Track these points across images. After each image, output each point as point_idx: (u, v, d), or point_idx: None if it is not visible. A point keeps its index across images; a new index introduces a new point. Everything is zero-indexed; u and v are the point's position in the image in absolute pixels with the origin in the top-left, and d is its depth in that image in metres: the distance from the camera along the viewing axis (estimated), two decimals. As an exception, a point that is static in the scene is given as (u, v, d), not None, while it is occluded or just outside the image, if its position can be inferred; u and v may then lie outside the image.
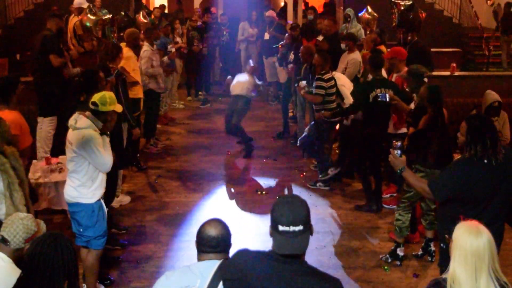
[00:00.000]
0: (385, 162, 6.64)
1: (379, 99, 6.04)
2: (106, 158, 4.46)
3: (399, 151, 3.96)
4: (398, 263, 5.30)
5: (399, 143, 3.99)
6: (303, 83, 7.39)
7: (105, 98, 4.47)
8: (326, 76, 6.88)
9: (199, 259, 2.71)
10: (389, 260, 5.34)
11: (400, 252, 5.34)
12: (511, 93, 8.29)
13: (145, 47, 8.20)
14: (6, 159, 3.85)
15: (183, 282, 2.62)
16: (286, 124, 9.51)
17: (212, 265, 2.62)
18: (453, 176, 3.69)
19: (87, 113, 4.49)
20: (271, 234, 2.39)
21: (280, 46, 9.71)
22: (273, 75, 11.05)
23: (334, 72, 7.28)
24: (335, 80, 7.03)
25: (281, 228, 2.32)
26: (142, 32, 8.59)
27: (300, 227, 2.31)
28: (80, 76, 5.65)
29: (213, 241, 2.66)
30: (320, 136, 7.15)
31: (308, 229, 2.36)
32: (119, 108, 4.65)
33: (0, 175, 3.77)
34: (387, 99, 6.01)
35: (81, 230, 4.53)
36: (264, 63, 11.57)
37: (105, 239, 4.67)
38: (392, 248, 5.41)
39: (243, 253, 2.51)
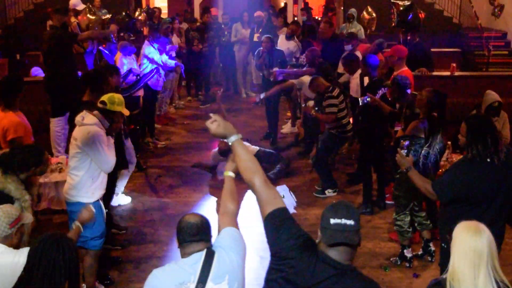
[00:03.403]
0: (385, 162, 6.65)
1: (361, 103, 5.99)
2: (110, 157, 4.48)
3: (406, 151, 3.98)
4: (408, 264, 5.30)
5: (406, 143, 4.00)
6: (311, 102, 7.30)
7: (113, 98, 4.56)
8: (335, 92, 6.75)
9: (182, 254, 2.73)
10: (399, 263, 5.33)
11: (407, 253, 5.34)
12: (511, 93, 8.28)
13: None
14: (30, 196, 3.86)
15: (177, 279, 2.63)
16: (271, 126, 9.26)
17: (198, 258, 2.65)
18: (456, 177, 3.70)
19: (95, 112, 4.53)
20: (321, 235, 2.31)
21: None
22: (258, 78, 11.08)
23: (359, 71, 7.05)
24: (343, 93, 6.99)
25: (332, 221, 2.25)
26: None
27: (352, 222, 2.25)
28: (87, 72, 5.69)
29: (193, 229, 2.70)
30: (330, 149, 7.02)
31: (359, 230, 2.29)
32: (126, 111, 4.68)
33: (16, 205, 3.75)
34: (367, 101, 5.93)
35: None
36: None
37: (103, 240, 4.67)
38: (400, 251, 5.40)
39: (308, 247, 2.35)
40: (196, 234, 2.70)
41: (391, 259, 5.40)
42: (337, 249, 2.28)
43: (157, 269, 2.76)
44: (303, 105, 8.03)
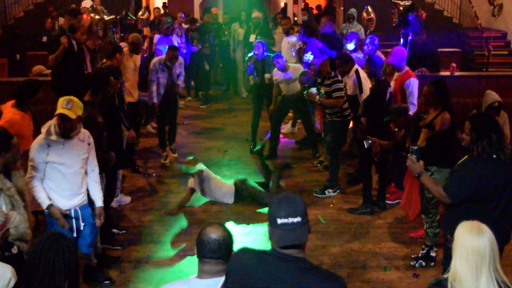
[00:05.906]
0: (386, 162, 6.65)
1: (365, 147, 5.86)
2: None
3: (415, 156, 3.94)
4: (432, 263, 5.24)
5: (416, 148, 3.97)
6: (314, 90, 7.29)
7: (61, 100, 4.27)
8: (339, 76, 6.89)
9: (200, 269, 2.60)
10: (424, 265, 5.25)
11: (433, 253, 5.27)
12: (511, 93, 8.29)
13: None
14: (12, 183, 3.80)
15: None
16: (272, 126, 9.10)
17: (214, 285, 2.52)
18: (466, 177, 3.69)
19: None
20: (270, 234, 2.36)
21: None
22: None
23: (356, 66, 7.13)
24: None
25: (279, 221, 2.30)
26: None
27: (299, 219, 2.30)
28: (90, 73, 5.67)
29: (214, 244, 2.54)
30: (337, 139, 7.00)
31: (306, 222, 2.34)
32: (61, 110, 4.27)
33: (3, 199, 3.72)
34: (369, 144, 5.79)
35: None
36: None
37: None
38: (424, 252, 5.31)
39: (245, 252, 2.48)
40: (216, 251, 2.55)
41: (415, 264, 5.27)
42: (287, 249, 2.35)
43: (166, 285, 2.67)
44: (305, 92, 7.64)
